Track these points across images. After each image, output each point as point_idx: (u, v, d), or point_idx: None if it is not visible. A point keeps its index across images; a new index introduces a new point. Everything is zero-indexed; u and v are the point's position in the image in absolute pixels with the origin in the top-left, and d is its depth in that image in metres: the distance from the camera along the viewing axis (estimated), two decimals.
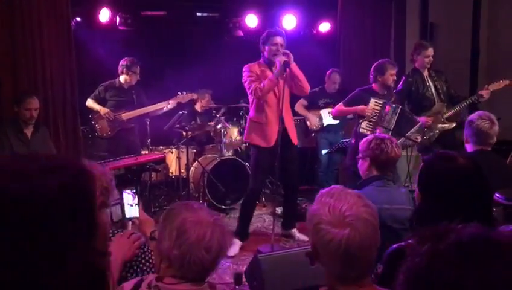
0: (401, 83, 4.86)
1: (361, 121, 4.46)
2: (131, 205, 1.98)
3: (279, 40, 4.17)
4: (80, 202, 0.79)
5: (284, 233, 4.65)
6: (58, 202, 0.75)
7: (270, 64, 4.22)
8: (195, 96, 5.46)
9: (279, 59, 4.04)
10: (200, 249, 1.41)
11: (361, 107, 4.43)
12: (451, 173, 1.69)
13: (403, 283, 0.82)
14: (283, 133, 4.12)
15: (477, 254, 0.75)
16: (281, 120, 4.10)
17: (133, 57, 5.20)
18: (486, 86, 4.68)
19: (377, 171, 2.55)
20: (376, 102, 4.41)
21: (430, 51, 4.75)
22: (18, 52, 4.77)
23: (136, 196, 2.01)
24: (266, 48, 4.19)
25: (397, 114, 4.36)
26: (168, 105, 5.20)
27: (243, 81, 4.23)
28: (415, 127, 4.42)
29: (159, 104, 5.20)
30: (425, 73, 4.81)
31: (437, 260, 0.77)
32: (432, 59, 4.77)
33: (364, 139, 2.68)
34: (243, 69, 4.22)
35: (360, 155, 2.67)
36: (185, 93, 5.30)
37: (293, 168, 4.41)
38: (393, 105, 4.42)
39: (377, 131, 4.30)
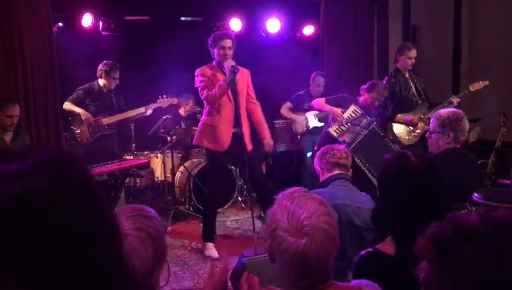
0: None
1: (332, 124, 4.51)
2: None
3: (227, 43, 4.02)
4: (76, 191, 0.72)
5: None
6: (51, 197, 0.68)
7: (221, 66, 4.13)
8: (175, 101, 5.40)
9: (227, 64, 3.96)
10: None
11: (339, 109, 4.45)
12: (401, 172, 1.70)
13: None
14: (239, 138, 4.08)
15: None
16: (239, 124, 4.06)
17: (116, 61, 5.13)
18: (469, 87, 4.74)
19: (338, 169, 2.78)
20: (355, 110, 4.43)
21: (413, 53, 4.80)
22: None
23: None
24: (215, 51, 4.07)
25: (368, 129, 4.37)
26: (148, 110, 5.15)
27: (195, 86, 4.17)
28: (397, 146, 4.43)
29: (138, 109, 5.15)
30: (407, 74, 4.86)
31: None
32: (414, 61, 4.82)
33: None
34: (195, 74, 4.14)
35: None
36: (165, 97, 5.26)
37: (255, 165, 4.34)
38: (370, 119, 4.44)
39: (343, 138, 4.33)
